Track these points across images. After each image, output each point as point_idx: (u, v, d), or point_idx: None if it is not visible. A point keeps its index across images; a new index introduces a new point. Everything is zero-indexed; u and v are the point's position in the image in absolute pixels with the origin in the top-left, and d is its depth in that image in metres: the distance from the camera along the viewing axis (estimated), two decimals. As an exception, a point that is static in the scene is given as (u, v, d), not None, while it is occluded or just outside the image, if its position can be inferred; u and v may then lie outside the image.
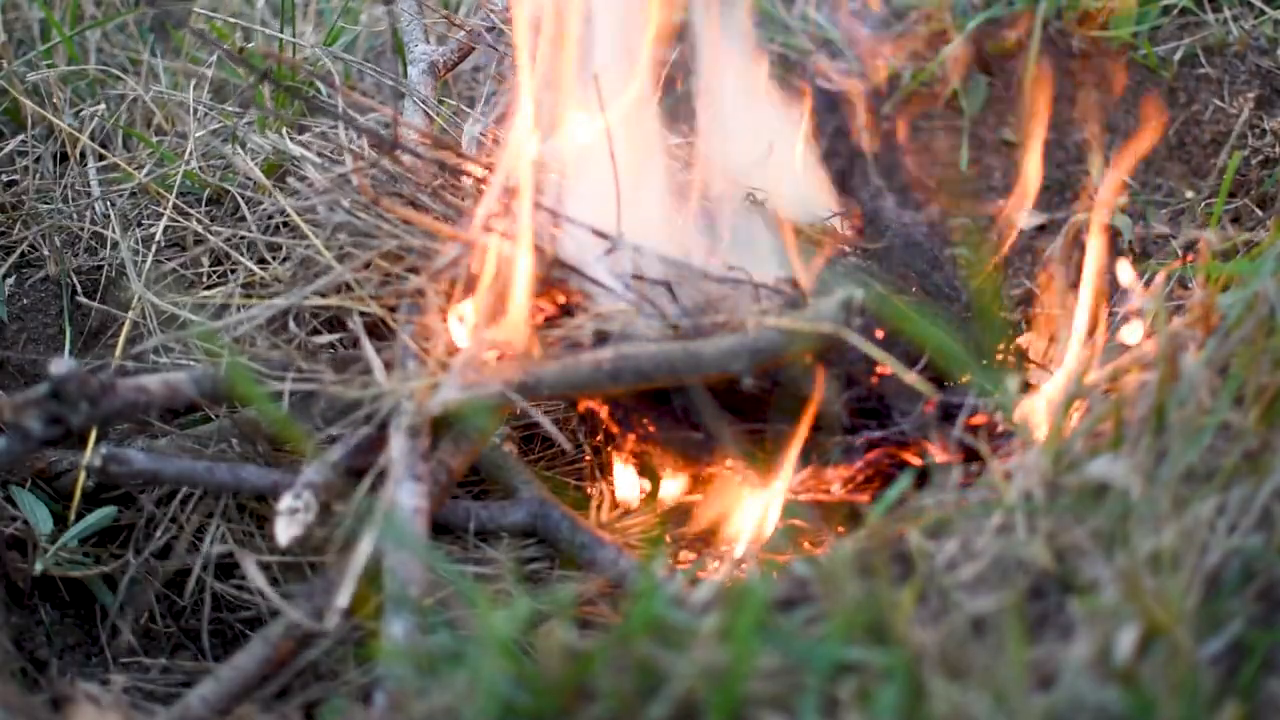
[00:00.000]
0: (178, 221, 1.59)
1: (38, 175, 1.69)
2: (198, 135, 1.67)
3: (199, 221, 1.58)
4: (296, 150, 1.55)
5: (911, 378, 1.19)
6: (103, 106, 1.77)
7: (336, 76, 1.78)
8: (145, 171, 1.63)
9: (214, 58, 1.88)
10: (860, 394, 1.31)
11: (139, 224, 1.62)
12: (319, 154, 1.61)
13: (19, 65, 1.80)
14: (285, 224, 1.53)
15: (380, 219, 1.33)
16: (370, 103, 1.47)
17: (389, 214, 1.32)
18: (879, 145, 2.01)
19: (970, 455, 1.31)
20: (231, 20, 1.89)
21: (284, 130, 1.63)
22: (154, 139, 1.75)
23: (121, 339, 1.43)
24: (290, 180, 1.56)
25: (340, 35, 1.96)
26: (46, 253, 1.61)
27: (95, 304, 1.55)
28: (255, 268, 1.51)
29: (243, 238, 1.57)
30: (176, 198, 1.61)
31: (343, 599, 1.08)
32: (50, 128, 1.76)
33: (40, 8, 1.95)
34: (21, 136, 1.72)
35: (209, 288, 1.57)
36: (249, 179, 1.60)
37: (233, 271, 1.54)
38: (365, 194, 1.33)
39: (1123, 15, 1.95)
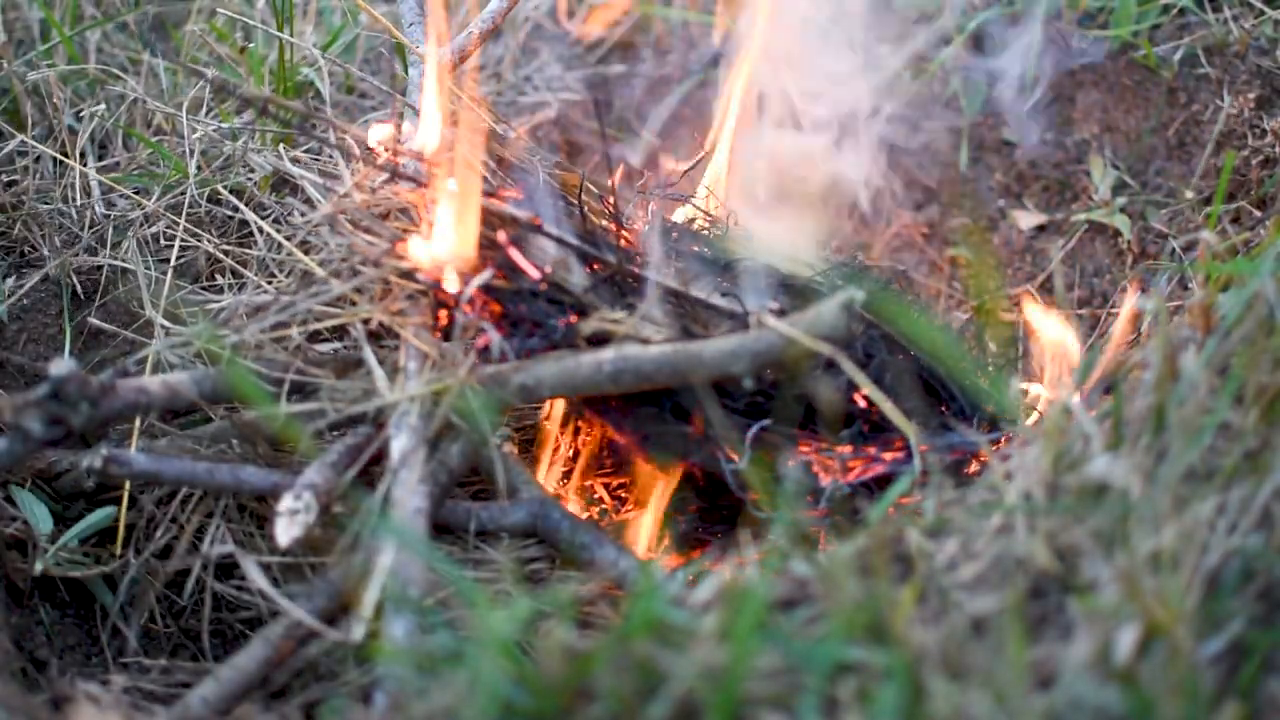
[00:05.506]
0: (178, 232, 1.60)
1: (38, 175, 1.69)
2: (197, 136, 1.68)
3: (209, 241, 1.58)
4: (296, 170, 1.56)
5: (891, 410, 1.19)
6: (103, 106, 1.77)
7: (327, 88, 1.78)
8: (155, 198, 1.63)
9: (212, 68, 1.88)
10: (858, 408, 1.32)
11: (140, 224, 1.62)
12: (315, 158, 1.62)
13: (19, 65, 1.80)
14: (290, 238, 1.53)
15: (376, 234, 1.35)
16: (355, 129, 1.47)
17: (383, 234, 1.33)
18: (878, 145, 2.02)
19: (969, 455, 1.31)
20: (234, 17, 1.89)
21: (281, 148, 1.63)
22: (154, 139, 1.75)
23: (149, 363, 1.42)
24: (289, 199, 1.57)
25: (340, 36, 1.96)
26: (46, 253, 1.61)
27: (108, 325, 1.55)
28: (262, 283, 1.51)
29: (248, 251, 1.58)
30: (176, 198, 1.62)
31: (368, 609, 1.09)
32: (50, 128, 1.76)
33: (40, 8, 1.95)
34: (21, 137, 1.72)
35: (211, 289, 1.57)
36: (254, 190, 1.61)
37: (241, 287, 1.54)
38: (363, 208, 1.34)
39: (1123, 15, 1.96)
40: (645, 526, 1.40)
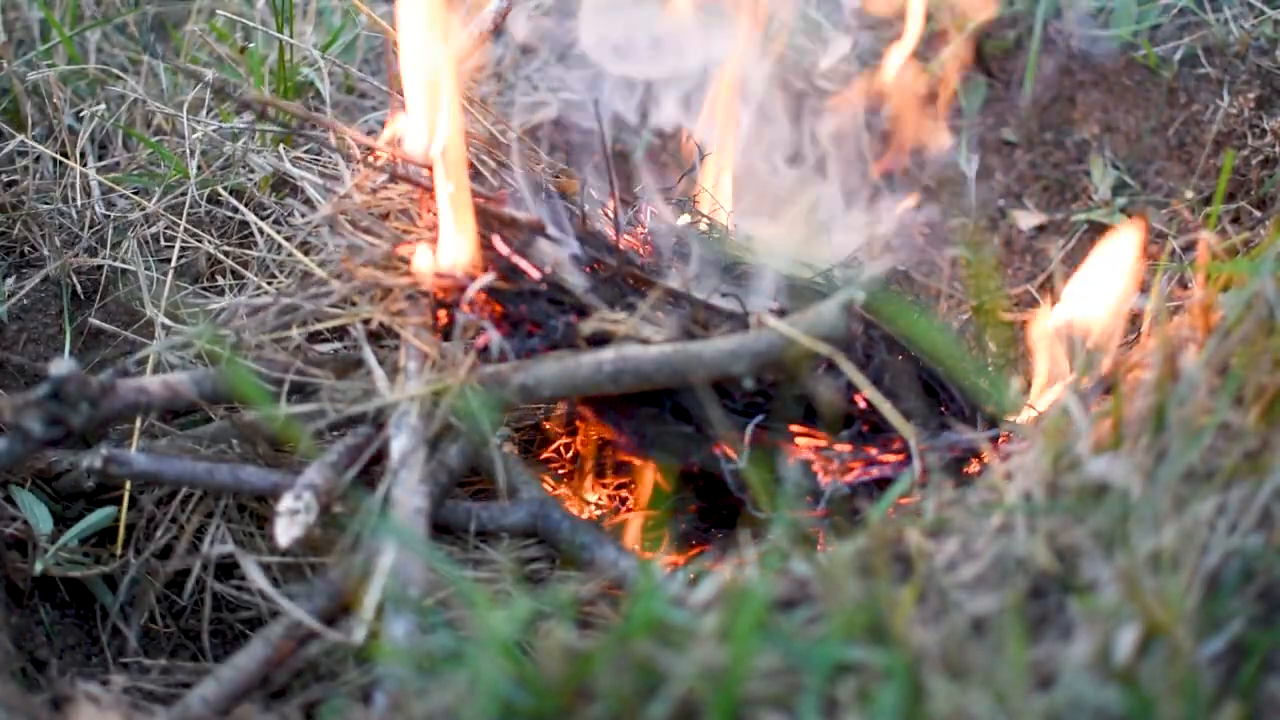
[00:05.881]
0: (178, 233, 1.60)
1: (38, 175, 1.69)
2: (197, 136, 1.68)
3: (209, 242, 1.58)
4: (296, 171, 1.56)
5: (890, 411, 1.19)
6: (103, 106, 1.77)
7: (327, 88, 1.78)
8: (155, 198, 1.63)
9: (212, 69, 1.88)
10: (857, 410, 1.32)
11: (140, 225, 1.62)
12: (315, 159, 1.62)
13: (19, 65, 1.80)
14: (291, 239, 1.53)
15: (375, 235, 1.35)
16: (354, 131, 1.47)
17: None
18: (878, 145, 2.01)
19: (969, 455, 1.31)
20: (232, 18, 1.89)
21: (281, 149, 1.63)
22: (154, 139, 1.75)
23: (149, 364, 1.43)
24: (289, 200, 1.57)
25: (340, 36, 1.96)
26: (46, 253, 1.61)
27: (108, 325, 1.55)
28: (263, 283, 1.51)
29: (248, 252, 1.58)
30: (176, 199, 1.62)
31: (368, 609, 1.09)
32: (50, 128, 1.76)
33: (40, 8, 1.95)
34: (21, 137, 1.72)
35: (211, 289, 1.57)
36: (254, 191, 1.61)
37: (241, 287, 1.54)
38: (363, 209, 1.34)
39: (1123, 15, 1.96)
40: (637, 525, 1.40)
